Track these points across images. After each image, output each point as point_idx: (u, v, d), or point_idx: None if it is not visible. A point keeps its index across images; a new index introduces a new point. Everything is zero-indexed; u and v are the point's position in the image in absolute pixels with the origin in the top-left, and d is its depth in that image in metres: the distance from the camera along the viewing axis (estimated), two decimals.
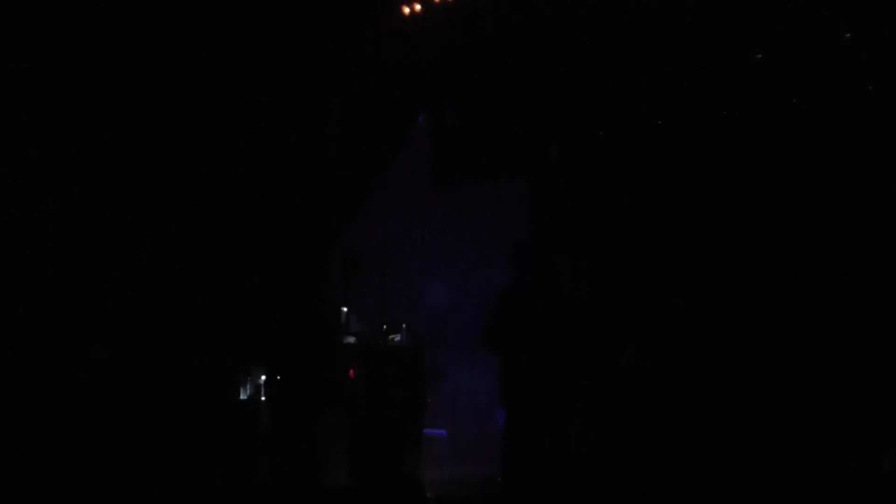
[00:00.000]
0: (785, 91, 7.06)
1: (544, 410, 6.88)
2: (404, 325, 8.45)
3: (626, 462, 5.76)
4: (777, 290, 6.94)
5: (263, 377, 7.17)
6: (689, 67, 7.42)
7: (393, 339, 8.41)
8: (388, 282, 9.25)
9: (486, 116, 8.65)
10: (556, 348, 6.88)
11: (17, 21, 6.47)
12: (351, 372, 7.80)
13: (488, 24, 7.40)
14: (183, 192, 7.11)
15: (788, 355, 6.78)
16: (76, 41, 6.69)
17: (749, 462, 6.64)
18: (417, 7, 7.47)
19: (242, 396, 7.35)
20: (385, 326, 8.43)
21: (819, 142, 6.82)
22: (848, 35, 6.64)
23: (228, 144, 7.32)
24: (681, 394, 7.35)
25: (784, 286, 6.91)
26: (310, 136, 7.92)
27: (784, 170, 7.01)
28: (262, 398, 6.99)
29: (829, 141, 6.76)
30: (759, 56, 7.09)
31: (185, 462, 6.34)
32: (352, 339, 8.15)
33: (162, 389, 6.65)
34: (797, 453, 6.49)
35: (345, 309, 8.22)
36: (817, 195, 6.83)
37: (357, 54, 7.72)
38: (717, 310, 7.28)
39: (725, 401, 7.00)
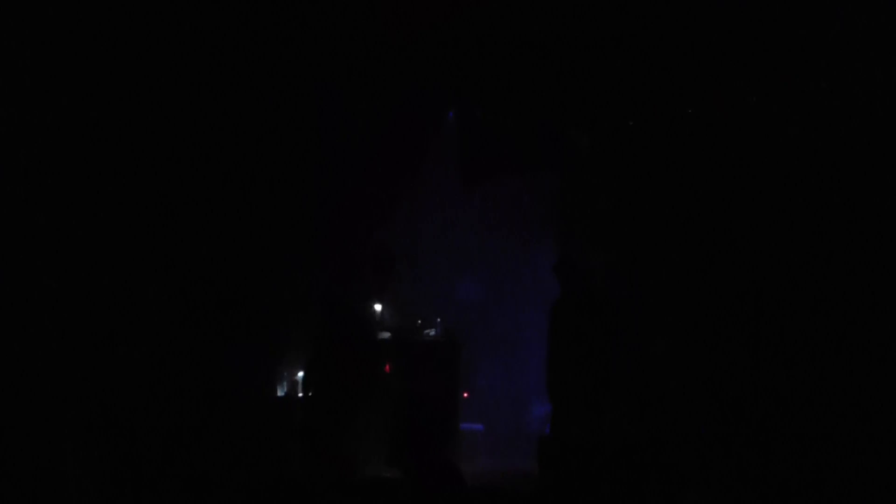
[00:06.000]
0: (810, 79, 6.99)
1: (580, 403, 6.89)
2: (438, 320, 8.47)
3: (661, 453, 5.75)
4: (805, 281, 6.87)
5: (300, 374, 7.21)
6: (719, 56, 7.37)
7: (428, 333, 8.43)
8: (422, 277, 9.28)
9: (516, 110, 8.64)
10: (590, 341, 6.88)
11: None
12: (387, 367, 7.84)
13: (515, 16, 7.37)
14: (209, 190, 6.98)
15: (812, 346, 6.71)
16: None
17: (783, 452, 6.61)
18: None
19: (279, 394, 7.41)
20: (420, 321, 8.46)
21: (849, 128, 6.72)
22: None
23: (256, 142, 7.26)
24: (712, 384, 7.31)
25: (809, 276, 6.84)
26: (339, 135, 7.94)
27: (821, 159, 6.91)
28: (299, 395, 7.03)
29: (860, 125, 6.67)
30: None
31: (221, 460, 6.37)
32: (387, 335, 8.19)
33: (197, 388, 6.67)
34: (822, 440, 6.43)
35: (379, 305, 8.26)
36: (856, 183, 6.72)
37: (385, 51, 7.71)
38: (747, 301, 7.22)
39: (757, 390, 6.95)
